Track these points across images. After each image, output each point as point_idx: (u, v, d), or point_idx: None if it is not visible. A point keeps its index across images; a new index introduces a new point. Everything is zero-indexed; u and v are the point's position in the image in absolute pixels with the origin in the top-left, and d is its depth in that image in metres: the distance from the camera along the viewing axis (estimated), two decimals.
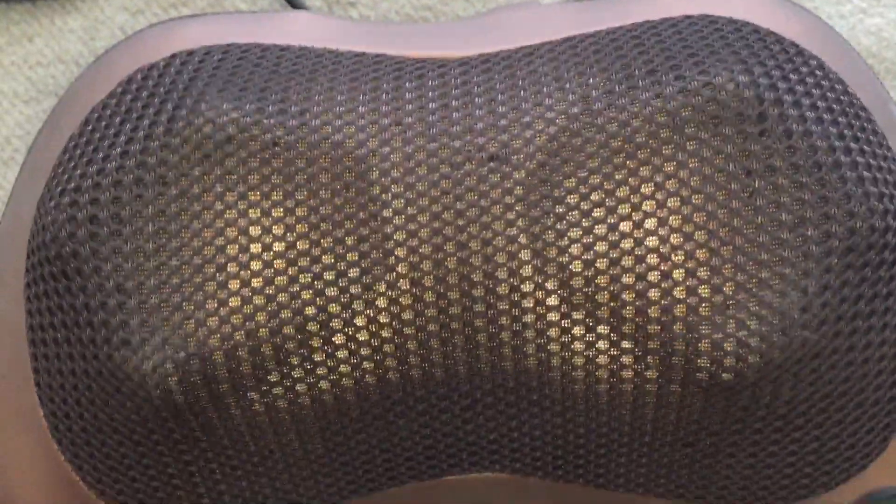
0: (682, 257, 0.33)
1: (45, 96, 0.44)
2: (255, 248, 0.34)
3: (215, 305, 0.34)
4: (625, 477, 0.38)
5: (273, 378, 0.34)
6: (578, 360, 0.34)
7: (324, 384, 0.34)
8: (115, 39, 0.44)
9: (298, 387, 0.34)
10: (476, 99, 0.35)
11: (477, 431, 0.36)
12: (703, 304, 0.33)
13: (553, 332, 0.34)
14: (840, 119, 0.35)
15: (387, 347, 0.34)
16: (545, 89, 0.35)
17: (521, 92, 0.35)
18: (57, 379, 0.36)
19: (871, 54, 0.44)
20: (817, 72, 0.36)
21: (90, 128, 0.37)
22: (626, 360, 0.34)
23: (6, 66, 0.44)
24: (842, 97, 0.36)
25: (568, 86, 0.35)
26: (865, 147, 0.35)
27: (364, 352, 0.34)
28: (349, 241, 0.34)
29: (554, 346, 0.34)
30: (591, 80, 0.35)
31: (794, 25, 0.38)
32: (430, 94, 0.36)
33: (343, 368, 0.34)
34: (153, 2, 0.44)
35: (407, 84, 0.36)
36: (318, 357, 0.34)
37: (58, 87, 0.44)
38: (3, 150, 0.44)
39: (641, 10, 0.38)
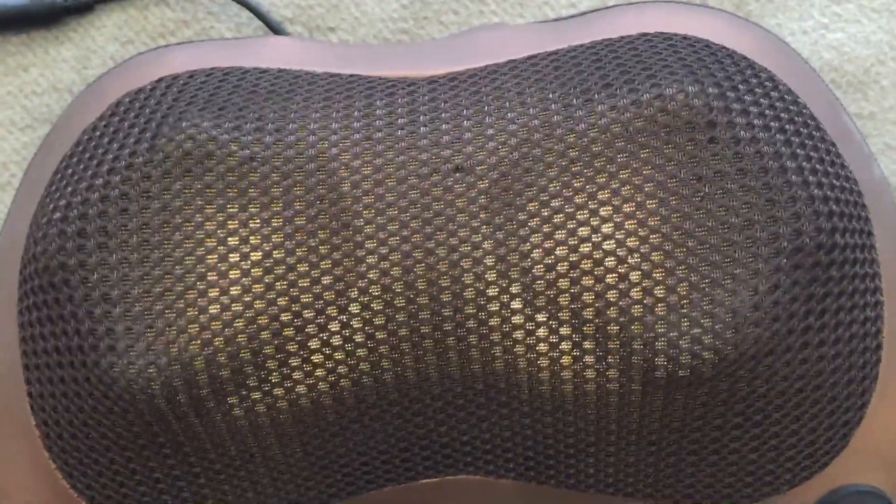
0: (638, 259, 0.35)
1: (40, 124, 0.46)
2: (234, 257, 0.36)
3: (196, 313, 0.35)
4: (594, 477, 0.39)
5: (251, 383, 0.35)
6: (543, 362, 0.36)
7: (300, 388, 0.36)
8: (106, 68, 0.46)
9: (276, 391, 0.36)
10: (443, 115, 0.37)
11: (450, 433, 0.38)
12: (659, 304, 0.35)
13: (518, 335, 0.35)
14: (788, 127, 0.37)
15: (360, 352, 0.36)
16: (508, 104, 0.37)
17: (486, 108, 0.37)
18: (48, 387, 0.38)
19: (832, 68, 0.46)
20: (766, 83, 0.38)
21: (81, 148, 0.38)
22: (588, 359, 0.36)
23: (2, 95, 0.46)
24: (790, 107, 0.38)
25: (529, 100, 0.37)
26: (813, 153, 0.37)
27: (338, 356, 0.36)
28: (323, 249, 0.35)
29: (519, 349, 0.36)
30: (550, 95, 0.37)
31: (746, 41, 0.40)
32: (399, 110, 0.37)
33: (318, 373, 0.36)
34: (142, 32, 0.46)
35: (378, 102, 0.38)
36: (294, 362, 0.36)
37: (52, 115, 0.46)
38: (0, 175, 0.46)
39: (602, 30, 0.40)
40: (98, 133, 0.39)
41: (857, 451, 0.39)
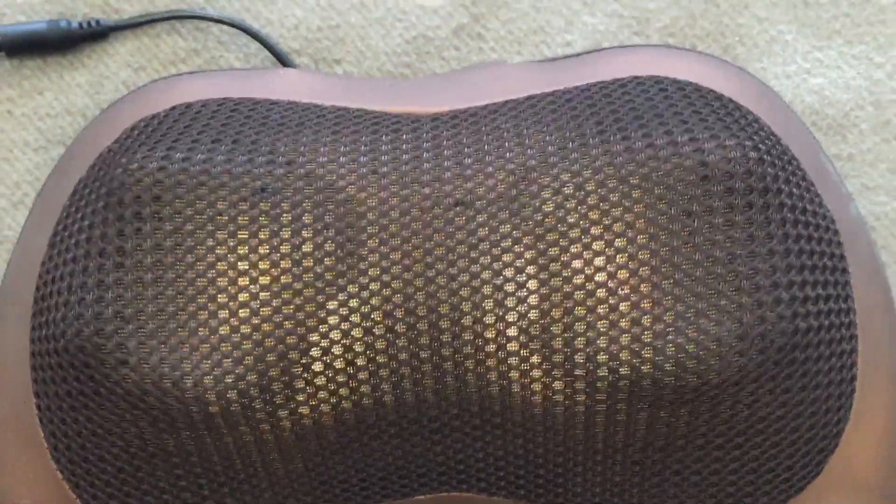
0: (628, 291, 0.37)
1: (53, 145, 0.48)
2: (243, 281, 0.37)
3: (207, 332, 0.37)
4: (581, 497, 0.41)
5: (257, 405, 0.37)
6: (536, 386, 0.38)
7: (303, 409, 0.38)
8: (118, 93, 0.48)
9: (280, 411, 0.38)
10: (445, 151, 0.39)
11: (445, 453, 0.40)
12: (646, 333, 0.37)
13: (513, 361, 0.37)
14: (772, 166, 0.39)
15: (361, 375, 0.37)
16: (507, 143, 0.39)
17: (486, 146, 0.39)
18: (55, 401, 0.39)
19: (813, 111, 0.48)
20: (753, 125, 0.40)
21: (96, 169, 0.40)
22: (578, 385, 0.38)
23: (18, 116, 0.48)
24: (774, 148, 0.40)
25: (527, 141, 0.39)
26: (794, 191, 0.39)
27: (340, 378, 0.37)
28: (328, 276, 0.37)
29: (514, 374, 0.38)
30: (547, 137, 0.39)
31: (731, 84, 0.42)
32: (404, 146, 0.39)
33: (321, 394, 0.38)
34: (154, 59, 0.48)
35: (384, 137, 0.40)
36: (298, 383, 0.37)
37: (65, 137, 0.48)
38: (13, 193, 0.48)
39: (595, 71, 0.42)
40: (113, 155, 0.40)
41: (831, 477, 0.41)
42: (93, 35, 0.48)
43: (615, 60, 0.43)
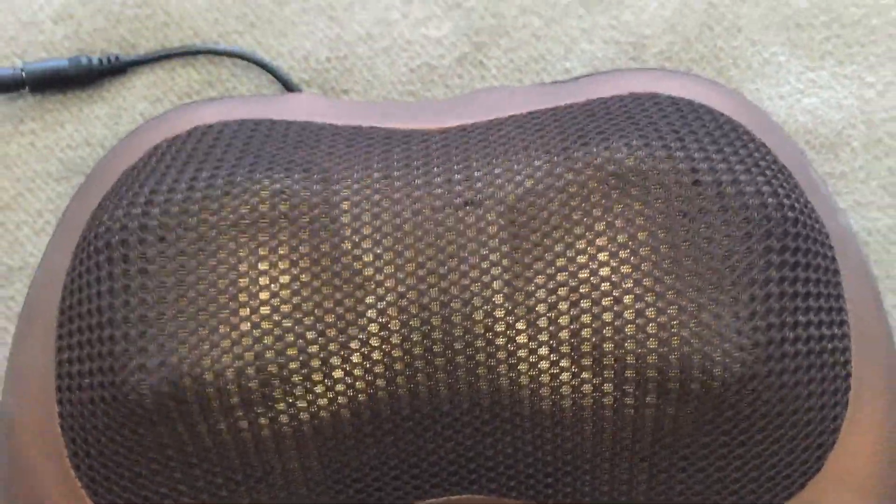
0: (631, 285, 0.39)
1: (74, 175, 0.49)
2: (263, 281, 0.39)
3: (228, 329, 0.38)
4: (590, 496, 0.42)
5: (277, 395, 0.39)
6: (545, 379, 0.39)
7: (322, 401, 0.39)
8: (136, 124, 0.50)
9: (299, 403, 0.39)
10: (454, 158, 0.41)
11: (457, 450, 0.41)
12: (650, 325, 0.38)
13: (521, 354, 0.39)
14: (767, 172, 0.41)
15: (377, 368, 0.39)
16: (513, 150, 0.41)
17: (493, 154, 0.41)
18: (77, 408, 0.41)
19: (807, 130, 0.50)
20: (744, 136, 0.42)
21: (121, 185, 0.42)
22: (585, 376, 0.39)
23: (40, 148, 0.50)
24: (766, 157, 0.42)
25: (532, 147, 0.41)
26: (790, 194, 0.41)
27: (357, 372, 0.39)
28: (345, 274, 0.39)
29: (522, 366, 0.39)
30: (551, 142, 0.41)
31: (724, 102, 0.44)
32: (415, 156, 0.41)
33: (339, 387, 0.39)
34: (170, 91, 0.50)
35: (395, 149, 0.42)
36: (316, 377, 0.39)
37: (85, 167, 0.50)
38: (35, 221, 0.49)
39: (595, 91, 0.44)
40: (136, 172, 0.42)
41: (831, 473, 0.42)
42: (112, 70, 0.50)
43: (613, 83, 0.45)
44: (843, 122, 0.50)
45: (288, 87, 0.49)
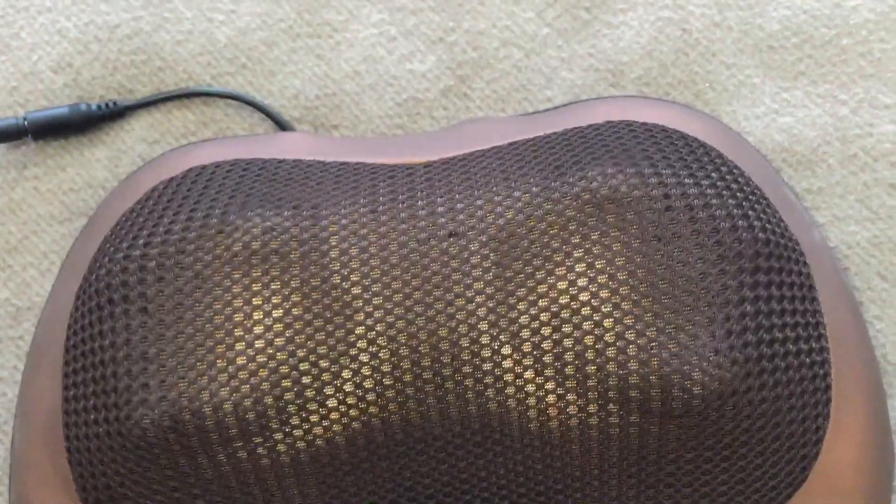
0: (611, 308, 0.40)
1: (76, 217, 0.51)
2: (258, 316, 0.41)
3: (225, 364, 0.40)
4: None
5: (273, 424, 0.40)
6: (531, 401, 0.40)
7: (317, 430, 0.40)
8: (135, 166, 0.52)
9: (296, 432, 0.40)
10: (438, 191, 0.43)
11: (451, 472, 0.42)
12: (630, 347, 0.40)
13: (508, 378, 0.40)
14: (738, 194, 0.42)
15: (369, 396, 0.40)
16: (493, 181, 0.42)
17: (475, 186, 0.43)
18: (84, 443, 0.42)
19: (783, 149, 0.51)
20: (716, 159, 0.43)
21: (120, 228, 0.44)
22: (570, 397, 0.40)
23: (43, 192, 0.52)
24: (738, 179, 0.43)
25: (511, 177, 0.42)
26: (761, 215, 0.42)
27: (350, 401, 0.40)
28: (336, 306, 0.41)
29: (509, 390, 0.40)
30: (529, 172, 0.42)
31: (696, 126, 0.46)
32: (400, 189, 0.43)
33: (333, 416, 0.40)
34: (167, 133, 0.52)
35: (381, 183, 0.43)
36: (311, 406, 0.40)
37: (88, 209, 0.51)
38: (41, 262, 0.51)
39: (573, 120, 0.46)
40: (135, 215, 0.44)
41: (816, 484, 0.44)
42: (110, 115, 0.51)
43: (591, 110, 0.47)
44: (818, 139, 0.51)
45: (280, 124, 0.51)
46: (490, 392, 0.40)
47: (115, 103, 0.51)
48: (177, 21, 0.52)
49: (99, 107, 0.51)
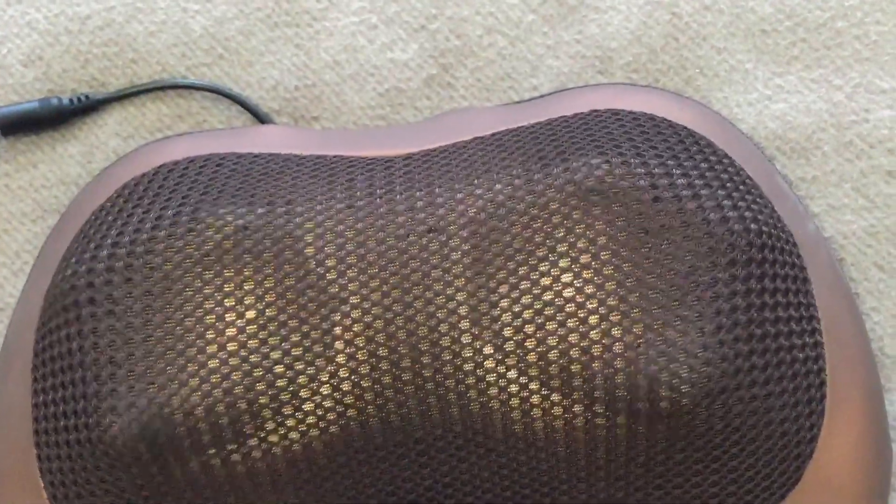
0: (596, 304, 0.39)
1: (49, 215, 0.50)
2: (230, 317, 0.39)
3: (196, 368, 0.39)
4: None
5: (248, 430, 0.39)
6: (515, 402, 0.39)
7: (293, 434, 0.39)
8: (109, 161, 0.50)
9: (271, 437, 0.39)
10: (417, 185, 0.41)
11: (433, 476, 0.41)
12: (616, 345, 0.38)
13: (490, 378, 0.39)
14: (728, 184, 0.41)
15: (347, 399, 0.39)
16: (475, 174, 0.41)
17: (455, 177, 0.41)
18: (54, 450, 0.41)
19: (777, 136, 0.50)
20: (706, 148, 0.42)
21: (89, 227, 0.42)
22: (555, 398, 0.39)
23: (14, 189, 0.50)
24: (729, 168, 0.42)
25: (493, 169, 0.41)
26: (753, 206, 0.41)
27: (327, 404, 0.39)
28: (311, 306, 0.39)
29: (492, 391, 0.39)
30: (512, 164, 0.41)
31: (686, 114, 0.44)
32: (378, 183, 0.41)
33: (310, 419, 0.39)
34: (141, 127, 0.50)
35: (359, 177, 0.42)
36: (287, 410, 0.39)
37: (60, 206, 0.50)
38: (13, 262, 0.50)
39: (559, 109, 0.44)
40: (105, 213, 0.42)
41: (810, 483, 0.42)
42: (83, 109, 0.50)
43: (578, 99, 0.45)
44: (812, 126, 0.50)
45: (258, 116, 0.50)
46: (472, 393, 0.39)
47: (87, 97, 0.50)
48: (150, 11, 0.51)
49: (71, 101, 0.50)
